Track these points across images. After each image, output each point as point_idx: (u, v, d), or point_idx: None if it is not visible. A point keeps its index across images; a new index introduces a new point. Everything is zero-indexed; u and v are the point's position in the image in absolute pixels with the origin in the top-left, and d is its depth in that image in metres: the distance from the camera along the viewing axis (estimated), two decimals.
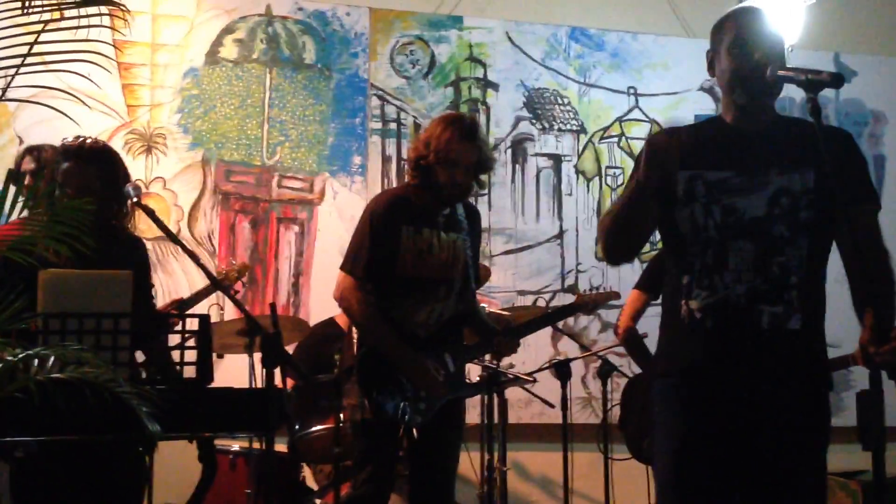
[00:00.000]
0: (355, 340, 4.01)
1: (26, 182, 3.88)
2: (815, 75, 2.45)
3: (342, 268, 3.79)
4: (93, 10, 2.63)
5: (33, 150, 4.14)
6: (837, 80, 2.43)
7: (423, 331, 3.74)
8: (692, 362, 2.67)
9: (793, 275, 2.64)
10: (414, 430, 3.60)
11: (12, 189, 2.42)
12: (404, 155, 5.68)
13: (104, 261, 2.99)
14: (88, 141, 3.56)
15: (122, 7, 2.70)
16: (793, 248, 2.64)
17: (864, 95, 6.56)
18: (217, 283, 3.57)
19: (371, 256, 3.69)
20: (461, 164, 3.72)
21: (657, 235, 2.87)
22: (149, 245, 3.77)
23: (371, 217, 3.74)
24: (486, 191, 5.91)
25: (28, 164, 4.08)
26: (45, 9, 2.62)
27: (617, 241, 2.76)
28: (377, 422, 3.64)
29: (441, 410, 3.73)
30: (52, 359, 2.31)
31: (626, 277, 5.83)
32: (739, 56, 2.66)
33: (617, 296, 4.54)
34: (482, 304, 4.27)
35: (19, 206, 2.45)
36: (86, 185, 3.37)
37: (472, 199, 5.80)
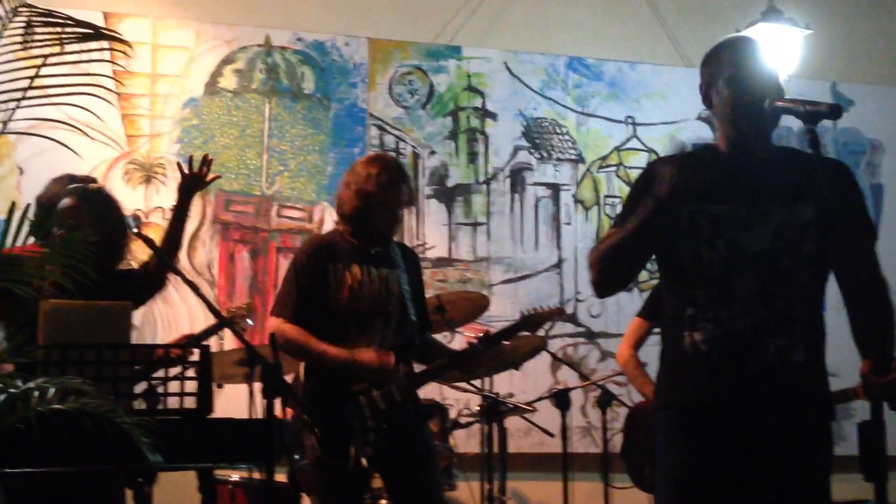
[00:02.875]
0: (302, 381, 4.01)
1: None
2: (814, 106, 2.45)
3: (272, 313, 3.87)
4: (94, 44, 2.64)
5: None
6: (836, 111, 2.43)
7: None
8: (697, 394, 2.66)
9: (797, 307, 2.63)
10: (363, 461, 3.59)
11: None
12: None
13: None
14: (91, 185, 3.72)
15: (123, 41, 2.73)
16: (796, 281, 2.64)
17: (861, 125, 6.58)
18: (217, 313, 3.56)
19: (299, 298, 3.75)
20: (396, 206, 3.87)
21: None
22: None
23: (295, 263, 3.84)
24: (484, 220, 5.94)
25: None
26: (46, 43, 2.63)
27: (613, 269, 2.73)
28: (329, 459, 3.65)
29: (402, 444, 3.71)
30: (52, 390, 2.31)
31: (625, 306, 5.84)
32: (739, 88, 2.64)
33: (561, 312, 4.48)
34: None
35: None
36: (80, 223, 3.42)
37: (471, 228, 5.89)
